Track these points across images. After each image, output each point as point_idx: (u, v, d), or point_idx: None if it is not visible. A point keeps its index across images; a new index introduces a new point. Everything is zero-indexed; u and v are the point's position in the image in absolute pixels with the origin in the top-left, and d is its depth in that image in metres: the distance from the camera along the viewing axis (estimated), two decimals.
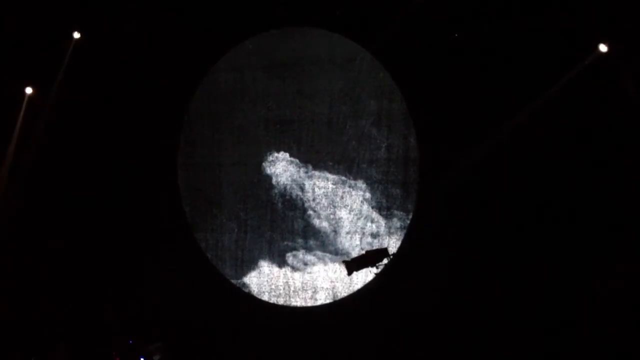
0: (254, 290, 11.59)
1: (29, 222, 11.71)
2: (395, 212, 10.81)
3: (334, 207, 11.17)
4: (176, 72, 11.70)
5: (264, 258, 11.57)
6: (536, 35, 9.72)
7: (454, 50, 10.25)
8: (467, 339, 9.96)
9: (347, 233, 11.06)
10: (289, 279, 11.40)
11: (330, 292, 11.14)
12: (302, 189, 11.36)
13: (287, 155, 11.43)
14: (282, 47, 11.46)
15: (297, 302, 11.34)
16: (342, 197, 11.12)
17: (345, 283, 10.99)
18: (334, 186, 11.16)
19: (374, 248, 10.36)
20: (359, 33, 10.93)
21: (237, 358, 11.11)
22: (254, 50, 11.60)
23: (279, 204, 11.51)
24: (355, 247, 10.95)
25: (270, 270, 11.53)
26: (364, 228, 10.97)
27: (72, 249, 11.79)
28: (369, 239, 10.91)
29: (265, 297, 11.49)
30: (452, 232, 10.20)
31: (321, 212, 11.24)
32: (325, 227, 11.22)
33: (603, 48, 9.25)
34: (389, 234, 10.81)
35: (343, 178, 11.12)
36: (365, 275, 10.58)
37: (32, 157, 11.57)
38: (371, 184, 10.95)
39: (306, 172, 11.33)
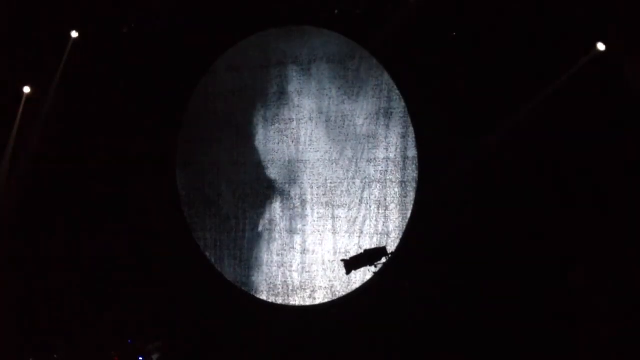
0: (252, 289, 11.59)
1: (27, 222, 11.73)
2: (394, 210, 10.80)
3: (332, 206, 11.15)
4: (175, 72, 11.71)
5: (262, 257, 11.58)
6: (535, 34, 9.70)
7: (453, 49, 10.23)
8: (465, 338, 9.93)
9: (346, 232, 11.05)
10: (287, 278, 11.40)
11: (329, 291, 11.14)
12: (300, 187, 11.36)
13: (285, 154, 11.43)
14: (281, 46, 11.45)
15: (296, 301, 11.34)
16: (340, 196, 11.11)
17: (344, 282, 10.98)
18: (332, 185, 11.15)
19: (373, 247, 10.33)
20: (358, 32, 10.92)
21: (236, 357, 11.12)
22: (253, 49, 11.59)
23: (277, 203, 11.51)
24: (353, 246, 10.93)
25: (268, 269, 11.53)
26: (362, 227, 10.96)
27: (71, 249, 11.80)
28: (368, 238, 10.89)
29: (263, 296, 11.50)
30: (451, 231, 10.16)
31: (319, 210, 11.24)
32: (323, 226, 11.21)
33: (601, 47, 9.25)
34: (388, 232, 10.79)
35: (341, 177, 11.11)
36: (363, 274, 10.57)
37: (30, 156, 11.58)
38: (369, 183, 10.94)
39: (304, 171, 11.33)
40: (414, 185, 10.66)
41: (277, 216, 11.50)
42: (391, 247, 10.48)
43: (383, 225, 10.83)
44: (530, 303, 9.69)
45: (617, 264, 9.39)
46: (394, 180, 10.80)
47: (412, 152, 10.68)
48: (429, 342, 10.11)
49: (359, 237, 10.96)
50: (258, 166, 11.60)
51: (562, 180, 9.72)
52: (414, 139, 10.66)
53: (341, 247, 11.06)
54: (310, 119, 11.27)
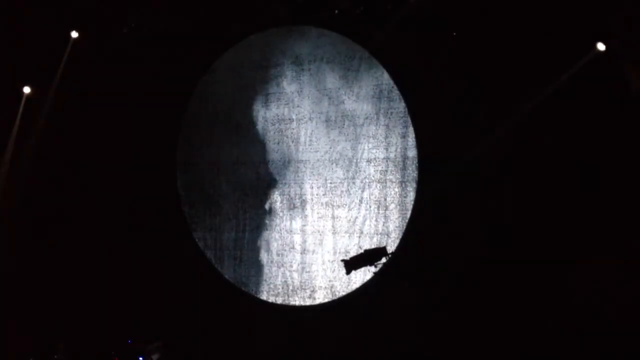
0: (252, 290, 11.59)
1: (27, 221, 11.73)
2: (394, 211, 10.78)
3: (332, 205, 11.15)
4: (175, 71, 11.71)
5: (262, 257, 11.58)
6: (535, 34, 9.68)
7: (453, 49, 10.21)
8: (466, 338, 9.92)
9: (346, 232, 11.04)
10: (287, 278, 11.40)
11: (329, 291, 11.13)
12: (300, 187, 11.35)
13: (285, 154, 11.43)
14: (280, 46, 11.45)
15: (296, 301, 11.33)
16: (340, 196, 11.10)
17: (344, 282, 10.97)
18: (332, 185, 11.14)
19: (373, 247, 10.29)
20: (358, 32, 10.91)
21: (236, 357, 11.13)
22: (253, 49, 11.59)
23: (277, 203, 11.51)
24: (353, 246, 10.92)
25: (268, 269, 11.53)
26: (362, 227, 10.95)
27: (71, 249, 11.81)
28: (367, 238, 10.88)
29: (263, 296, 11.50)
30: (451, 231, 10.17)
31: (319, 210, 11.23)
32: (323, 226, 11.21)
33: (601, 46, 9.23)
34: (387, 232, 10.78)
35: (341, 177, 11.10)
36: (363, 274, 10.55)
37: (30, 157, 11.58)
38: (369, 183, 10.92)
39: (304, 171, 11.32)
40: (414, 185, 10.64)
41: (277, 216, 11.50)
42: (391, 247, 10.45)
43: (383, 225, 10.82)
44: (531, 303, 9.67)
45: (617, 264, 9.38)
46: (394, 180, 10.79)
47: (412, 152, 10.65)
48: (429, 342, 10.08)
49: (359, 237, 10.94)
50: (258, 166, 11.59)
51: (563, 180, 9.69)
52: (414, 139, 10.63)
53: (341, 247, 11.05)
54: (310, 119, 11.26)
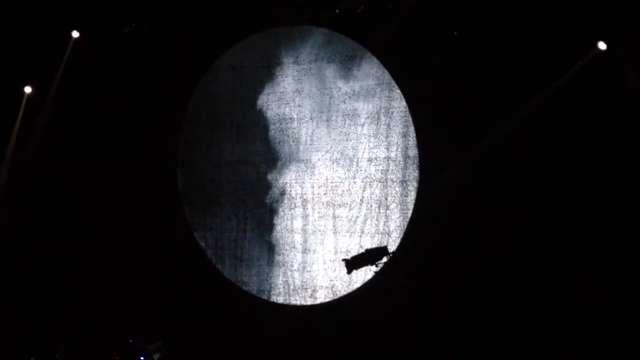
0: (253, 289, 11.59)
1: (28, 221, 11.73)
2: (395, 210, 10.79)
3: (333, 205, 11.15)
4: (175, 71, 11.71)
5: (263, 257, 11.57)
6: (535, 34, 9.71)
7: (454, 48, 10.23)
8: (466, 338, 9.93)
9: (347, 231, 11.05)
10: (288, 278, 11.39)
11: (330, 291, 11.14)
12: (301, 187, 11.36)
13: (286, 153, 11.44)
14: (280, 45, 11.45)
15: (297, 300, 11.34)
16: (341, 195, 11.10)
17: (345, 282, 10.98)
18: (333, 184, 11.15)
19: (374, 246, 10.30)
20: (359, 31, 10.92)
21: (237, 357, 11.12)
22: (253, 49, 11.60)
23: (278, 203, 11.51)
24: (354, 245, 10.92)
25: (269, 268, 11.53)
26: (363, 226, 10.96)
27: (72, 248, 11.81)
28: (368, 237, 10.89)
29: (264, 296, 11.49)
30: (452, 231, 10.18)
31: (320, 210, 11.23)
32: (324, 226, 11.21)
33: (602, 46, 9.26)
34: (388, 232, 10.79)
35: (342, 176, 11.10)
36: (364, 274, 10.55)
37: (31, 156, 11.58)
38: (370, 182, 10.93)
39: (305, 171, 11.33)
40: (415, 184, 10.65)
41: (278, 216, 11.50)
42: (392, 247, 10.45)
43: (384, 224, 10.82)
44: (531, 302, 9.69)
45: (618, 263, 9.40)
46: (394, 179, 10.79)
47: (413, 152, 10.66)
48: (430, 341, 10.09)
49: (360, 236, 10.95)
50: (259, 166, 11.59)
51: (563, 180, 9.71)
52: (414, 138, 10.64)
53: (342, 247, 11.05)
54: (311, 118, 11.27)
